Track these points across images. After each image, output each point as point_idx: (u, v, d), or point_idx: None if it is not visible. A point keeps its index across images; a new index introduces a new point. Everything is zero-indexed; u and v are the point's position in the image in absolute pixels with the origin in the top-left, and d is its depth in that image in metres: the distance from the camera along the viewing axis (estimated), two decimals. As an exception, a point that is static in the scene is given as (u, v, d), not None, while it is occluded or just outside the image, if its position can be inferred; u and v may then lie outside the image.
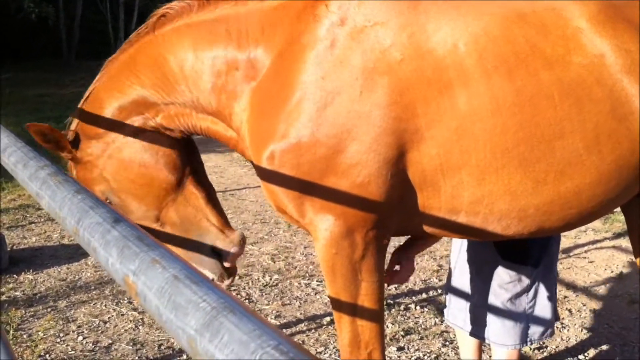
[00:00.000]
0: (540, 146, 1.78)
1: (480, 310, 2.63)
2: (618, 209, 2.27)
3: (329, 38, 1.83)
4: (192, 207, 2.18)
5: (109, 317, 3.94)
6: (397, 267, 2.47)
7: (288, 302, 4.19)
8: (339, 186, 1.80)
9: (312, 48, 1.84)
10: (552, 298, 2.62)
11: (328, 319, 3.90)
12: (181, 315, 0.63)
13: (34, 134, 2.14)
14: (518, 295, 2.55)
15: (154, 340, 3.64)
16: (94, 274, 4.66)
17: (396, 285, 4.40)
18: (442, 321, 3.84)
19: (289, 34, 1.91)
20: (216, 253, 2.16)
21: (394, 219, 1.90)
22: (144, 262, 0.72)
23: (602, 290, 4.41)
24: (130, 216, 2.18)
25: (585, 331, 3.78)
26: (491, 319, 2.60)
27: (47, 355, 3.47)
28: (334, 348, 3.54)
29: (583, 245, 5.30)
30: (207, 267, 2.17)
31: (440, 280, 4.51)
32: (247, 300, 4.19)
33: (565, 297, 4.26)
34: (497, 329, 2.59)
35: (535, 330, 2.61)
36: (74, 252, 5.05)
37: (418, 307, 4.08)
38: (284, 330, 3.75)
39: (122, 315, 3.97)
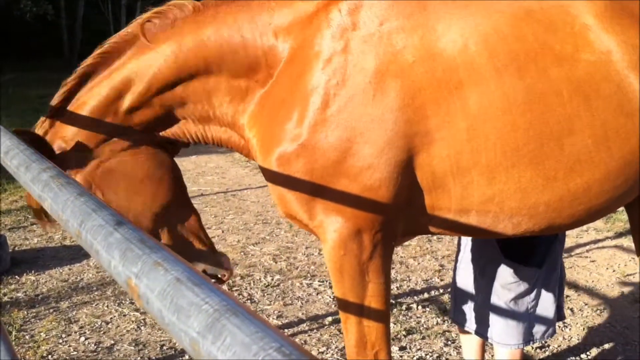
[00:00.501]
0: (550, 143, 1.78)
1: (483, 309, 2.63)
2: (620, 208, 2.26)
3: (342, 42, 1.83)
4: (187, 229, 2.14)
5: (111, 318, 3.95)
6: None
7: (290, 302, 4.20)
8: (350, 189, 1.80)
9: (326, 53, 1.84)
10: (556, 298, 2.62)
11: (330, 319, 3.91)
12: (184, 318, 0.63)
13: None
14: (521, 296, 2.55)
15: (156, 341, 3.65)
16: (95, 275, 4.66)
17: (398, 285, 4.40)
18: (444, 321, 3.84)
19: (302, 39, 1.91)
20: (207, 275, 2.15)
21: (401, 220, 1.90)
22: (147, 264, 0.73)
23: (604, 289, 4.40)
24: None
25: (587, 330, 3.77)
26: (494, 319, 2.60)
27: (50, 356, 3.47)
28: (335, 348, 3.54)
29: (585, 244, 5.30)
30: None
31: (442, 280, 4.52)
32: (248, 301, 4.20)
33: (567, 296, 4.25)
34: (500, 329, 2.59)
35: (537, 330, 2.61)
36: (76, 253, 5.06)
37: (420, 307, 4.08)
38: (286, 331, 3.75)
39: (124, 315, 3.98)
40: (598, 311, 4.05)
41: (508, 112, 1.76)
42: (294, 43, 1.92)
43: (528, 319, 2.59)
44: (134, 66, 2.03)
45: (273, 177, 1.92)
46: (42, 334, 3.72)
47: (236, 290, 4.35)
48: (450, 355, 3.47)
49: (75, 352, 3.52)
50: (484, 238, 2.47)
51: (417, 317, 3.94)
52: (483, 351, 2.87)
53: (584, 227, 5.51)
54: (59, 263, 4.92)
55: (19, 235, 5.62)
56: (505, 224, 1.89)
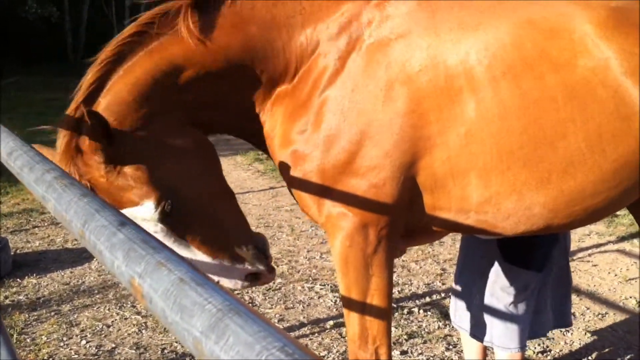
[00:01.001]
0: (544, 147, 1.86)
1: (483, 313, 2.64)
2: (622, 212, 2.27)
3: (360, 53, 1.94)
4: (235, 204, 2.18)
5: (112, 321, 3.95)
6: None
7: (291, 305, 4.20)
8: (357, 186, 1.94)
9: (344, 61, 1.95)
10: (561, 302, 2.63)
11: (331, 322, 3.91)
12: (187, 317, 0.63)
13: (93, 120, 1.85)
14: (521, 300, 2.55)
15: (157, 344, 3.65)
16: (97, 278, 4.66)
17: (400, 289, 4.40)
18: (445, 325, 3.84)
19: (325, 44, 2.00)
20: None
21: (403, 218, 2.01)
22: (150, 264, 0.73)
23: (605, 293, 4.40)
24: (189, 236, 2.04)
25: (588, 335, 3.77)
26: (494, 322, 2.61)
27: (51, 359, 3.48)
28: (337, 352, 3.54)
29: (587, 248, 5.29)
30: (236, 276, 2.18)
31: (443, 284, 4.51)
32: (250, 304, 4.20)
33: (569, 300, 4.25)
34: (500, 332, 2.59)
35: (537, 333, 2.61)
36: (78, 256, 5.07)
37: (421, 311, 4.07)
38: (287, 334, 3.75)
39: (126, 319, 3.98)
40: (600, 315, 4.04)
41: (504, 117, 1.85)
42: (319, 48, 2.01)
43: (528, 322, 2.59)
44: (177, 50, 1.98)
45: (289, 174, 2.03)
46: (43, 337, 3.72)
47: (237, 293, 4.35)
48: (451, 359, 3.46)
49: (76, 356, 3.53)
50: (486, 237, 2.48)
51: (419, 321, 3.93)
52: (485, 355, 2.87)
53: (586, 231, 5.51)
54: (61, 266, 4.92)
55: (20, 238, 5.63)
56: (504, 224, 1.97)
